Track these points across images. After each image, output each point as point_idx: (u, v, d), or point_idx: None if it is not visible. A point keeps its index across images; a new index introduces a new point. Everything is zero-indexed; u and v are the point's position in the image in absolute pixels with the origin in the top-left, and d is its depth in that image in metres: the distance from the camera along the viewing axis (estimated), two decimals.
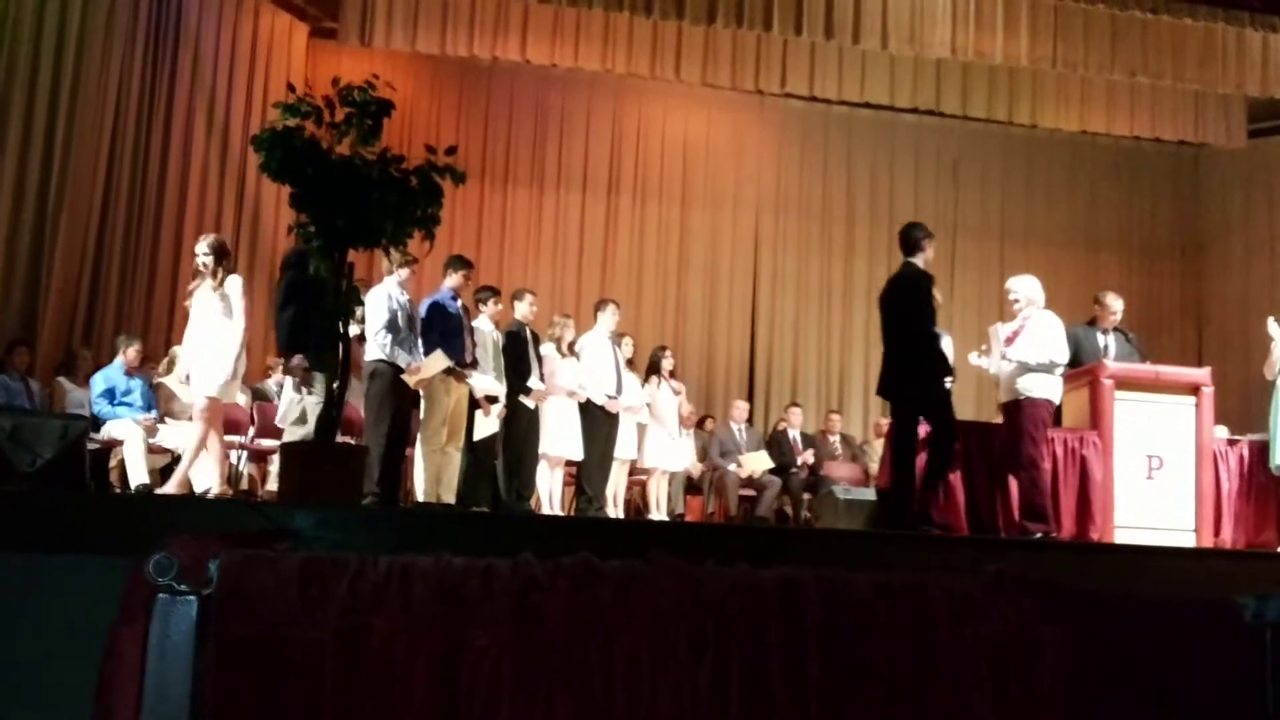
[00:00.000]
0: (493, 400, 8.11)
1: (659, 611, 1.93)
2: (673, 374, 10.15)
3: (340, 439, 6.32)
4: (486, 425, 8.17)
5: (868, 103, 12.30)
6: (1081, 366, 7.96)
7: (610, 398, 8.86)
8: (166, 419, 8.61)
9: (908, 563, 5.55)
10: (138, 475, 7.84)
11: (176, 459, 8.47)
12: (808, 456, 10.66)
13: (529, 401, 8.49)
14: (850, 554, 5.83)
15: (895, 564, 5.56)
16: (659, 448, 9.80)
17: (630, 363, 9.94)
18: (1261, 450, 8.00)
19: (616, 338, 9.30)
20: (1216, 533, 8.03)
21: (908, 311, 6.85)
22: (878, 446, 10.32)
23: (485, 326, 8.32)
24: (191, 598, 1.97)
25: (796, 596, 1.98)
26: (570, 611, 1.91)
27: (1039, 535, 7.24)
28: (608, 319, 9.15)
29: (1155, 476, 7.91)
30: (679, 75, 11.46)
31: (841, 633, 2.00)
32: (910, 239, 7.00)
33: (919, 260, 6.99)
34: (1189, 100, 12.37)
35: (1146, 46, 10.76)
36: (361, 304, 6.42)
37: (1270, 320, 7.88)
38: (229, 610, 1.96)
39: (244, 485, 8.80)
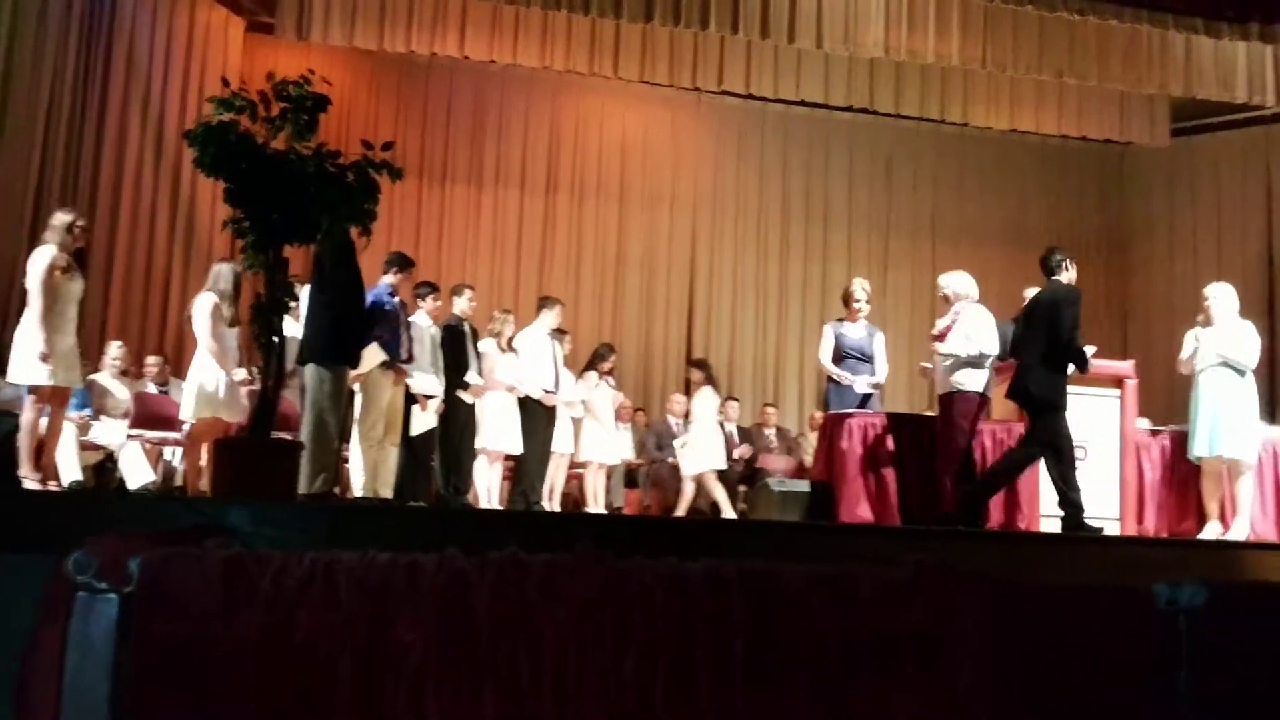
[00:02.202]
0: (429, 398, 8.13)
1: (585, 605, 1.97)
2: (610, 372, 10.20)
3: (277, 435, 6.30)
4: (423, 420, 8.18)
5: (803, 101, 12.42)
6: (1008, 360, 8.11)
7: (547, 392, 8.92)
8: (101, 416, 8.52)
9: (840, 553, 5.64)
10: (69, 472, 7.75)
11: (110, 456, 8.41)
12: (744, 450, 10.77)
13: (467, 397, 8.50)
14: (783, 545, 5.92)
15: (827, 555, 5.65)
16: (595, 442, 9.88)
17: (569, 358, 10.02)
18: (1182, 440, 8.19)
19: (558, 334, 9.34)
20: (1139, 521, 8.23)
21: (1059, 323, 7.21)
22: (813, 439, 10.45)
23: (423, 322, 8.32)
24: (112, 596, 1.97)
25: (722, 588, 2.04)
26: (496, 606, 1.95)
27: (969, 525, 7.38)
28: (550, 317, 9.21)
29: (1081, 467, 8.09)
30: (617, 72, 11.50)
31: (767, 623, 2.05)
32: (1049, 263, 7.47)
33: (1064, 279, 7.42)
34: (1114, 100, 12.61)
35: (1073, 47, 10.95)
36: (296, 299, 6.40)
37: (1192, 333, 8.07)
38: (150, 608, 1.96)
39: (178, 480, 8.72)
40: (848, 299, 8.63)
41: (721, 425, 10.96)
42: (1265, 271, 12.76)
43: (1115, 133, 13.11)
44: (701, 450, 9.76)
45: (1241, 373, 7.82)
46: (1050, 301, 7.31)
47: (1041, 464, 7.92)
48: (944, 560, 2.20)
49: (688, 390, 12.14)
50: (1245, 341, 7.90)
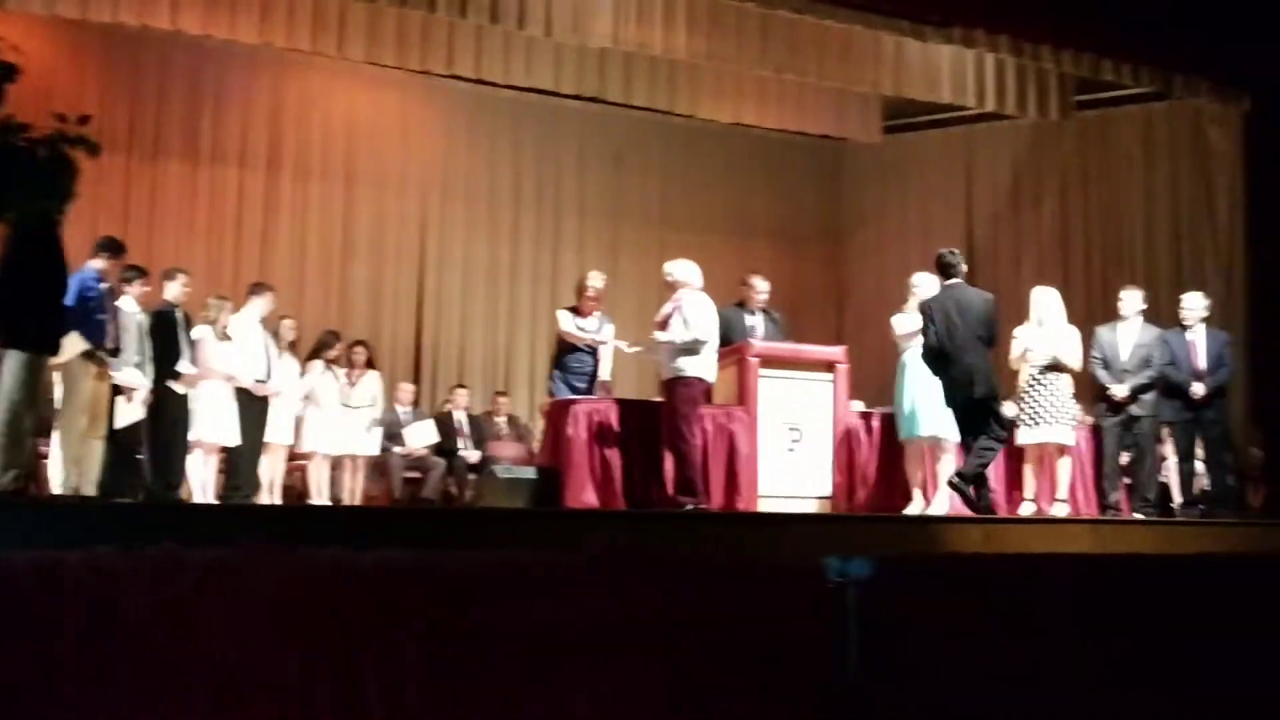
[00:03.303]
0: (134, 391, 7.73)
1: (247, 601, 1.89)
2: (335, 360, 9.96)
3: None
4: (129, 412, 7.76)
5: (534, 88, 12.39)
6: (731, 345, 8.37)
7: (259, 382, 8.64)
8: None
9: (562, 539, 5.68)
10: None
11: None
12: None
13: (179, 387, 8.12)
14: (508, 532, 5.91)
15: (551, 541, 5.68)
16: (319, 432, 9.64)
17: (294, 345, 9.73)
18: (891, 422, 8.66)
19: (278, 320, 9.07)
20: (850, 499, 8.66)
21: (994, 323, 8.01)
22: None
23: (130, 308, 7.89)
24: None
25: (394, 578, 1.99)
26: (150, 605, 1.84)
27: (690, 508, 7.58)
28: (261, 304, 8.92)
29: (796, 449, 8.45)
30: (342, 52, 11.15)
31: (440, 612, 2.02)
32: (951, 262, 8.13)
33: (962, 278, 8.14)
34: (832, 97, 13.15)
35: (793, 45, 11.34)
36: None
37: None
38: None
39: None
40: (581, 289, 8.72)
41: (451, 413, 10.92)
42: (966, 262, 13.61)
43: (832, 129, 13.69)
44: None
45: None
46: (983, 302, 8.00)
47: (762, 448, 8.24)
48: (621, 545, 2.23)
49: (417, 379, 12.01)
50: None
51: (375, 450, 10.19)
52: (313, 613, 1.99)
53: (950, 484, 7.89)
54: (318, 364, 9.80)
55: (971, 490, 7.72)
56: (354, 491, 9.98)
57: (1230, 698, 3.38)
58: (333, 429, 9.74)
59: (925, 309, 8.04)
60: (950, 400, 7.95)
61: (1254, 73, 10.88)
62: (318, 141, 12.39)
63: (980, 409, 7.84)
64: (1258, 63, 10.76)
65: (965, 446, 8.04)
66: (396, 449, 10.34)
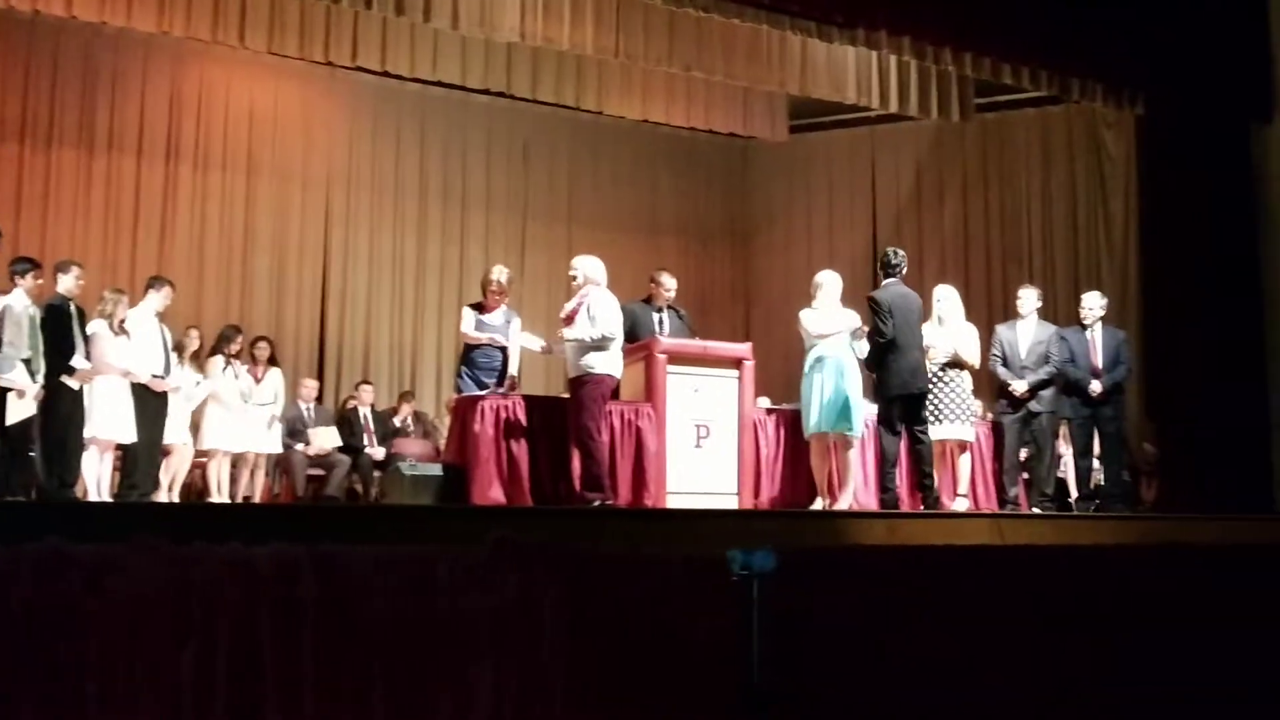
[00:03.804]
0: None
1: (138, 599, 1.83)
2: (237, 355, 9.78)
3: None
4: (20, 409, 7.53)
5: (440, 81, 12.28)
6: (638, 342, 8.37)
7: (156, 377, 8.44)
8: None
9: (468, 536, 5.63)
10: None
11: None
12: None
13: (72, 382, 7.90)
14: (413, 529, 5.85)
15: (457, 538, 5.62)
16: (219, 429, 9.46)
17: (197, 355, 9.59)
18: (797, 418, 8.73)
19: (185, 331, 8.91)
20: (756, 494, 8.71)
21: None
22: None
23: (20, 302, 7.64)
24: None
25: (291, 572, 1.94)
26: (37, 603, 1.78)
27: (597, 504, 7.57)
28: (157, 299, 8.71)
29: (703, 445, 8.46)
30: (243, 42, 10.91)
31: (338, 607, 1.98)
32: (894, 262, 8.43)
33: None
34: (739, 96, 13.23)
35: (700, 43, 11.39)
36: None
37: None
38: None
39: None
40: (485, 284, 8.66)
41: (355, 410, 10.78)
42: (870, 260, 13.82)
43: (740, 127, 13.77)
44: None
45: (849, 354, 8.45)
46: (919, 301, 8.40)
47: (669, 444, 8.25)
48: (521, 538, 2.21)
49: (320, 375, 11.84)
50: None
51: (277, 448, 10.03)
52: (207, 609, 1.94)
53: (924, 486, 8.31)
54: (218, 360, 9.61)
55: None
56: (255, 490, 9.81)
57: (1126, 683, 3.47)
58: (233, 426, 9.57)
59: (879, 302, 8.23)
60: (887, 392, 8.25)
61: (1147, 78, 11.17)
62: (218, 131, 12.13)
63: (918, 402, 8.26)
64: (1150, 68, 11.05)
65: (884, 444, 8.34)
66: (299, 446, 10.18)
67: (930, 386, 8.56)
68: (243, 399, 9.66)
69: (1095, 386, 8.84)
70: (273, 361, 10.14)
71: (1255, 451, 10.77)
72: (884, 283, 8.36)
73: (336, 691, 2.01)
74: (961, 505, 8.72)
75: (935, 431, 8.56)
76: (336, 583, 2.05)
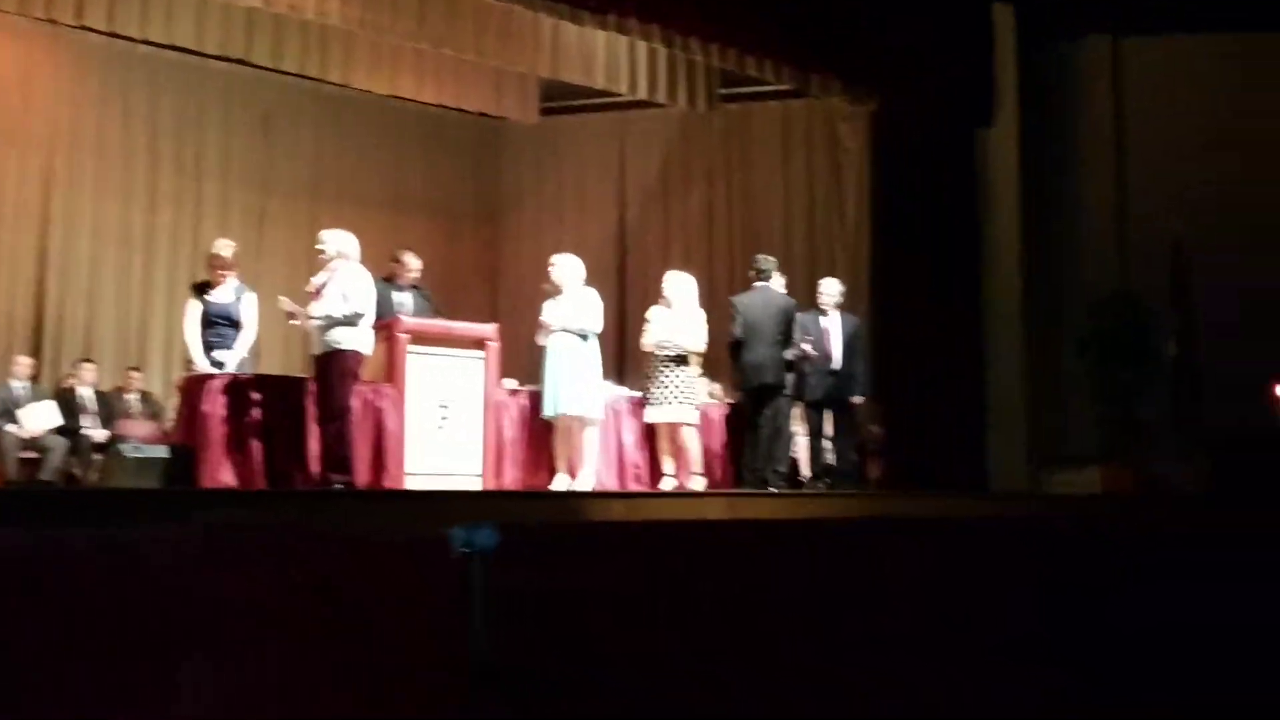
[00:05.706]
0: None
1: None
2: None
3: None
4: None
5: (175, 46, 11.65)
6: (379, 321, 8.21)
7: None
8: None
9: (193, 520, 5.40)
10: None
11: None
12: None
13: None
14: (135, 513, 5.57)
15: (183, 520, 5.40)
16: None
17: None
18: (538, 400, 8.76)
19: None
20: (499, 475, 8.70)
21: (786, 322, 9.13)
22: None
23: None
24: None
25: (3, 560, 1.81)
26: None
27: (339, 486, 7.40)
28: None
29: (445, 426, 8.39)
30: None
31: (53, 593, 1.85)
32: (765, 266, 9.29)
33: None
34: (490, 76, 13.14)
35: (451, 20, 11.24)
36: None
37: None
38: None
39: None
40: (210, 261, 8.31)
41: (74, 389, 10.17)
42: (617, 244, 14.03)
43: (491, 107, 13.68)
44: None
45: (585, 337, 8.54)
46: (785, 304, 9.17)
47: (410, 425, 8.13)
48: (239, 520, 2.12)
49: (37, 352, 11.10)
50: (590, 309, 8.63)
51: None
52: None
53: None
54: None
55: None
56: None
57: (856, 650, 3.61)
58: None
59: (733, 305, 9.19)
60: (739, 385, 9.32)
61: (881, 78, 11.73)
62: None
63: (767, 394, 8.98)
64: (885, 69, 11.61)
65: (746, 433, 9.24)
66: (9, 428, 9.52)
67: (656, 370, 8.83)
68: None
69: (832, 369, 9.30)
70: None
71: (972, 434, 11.53)
72: (754, 285, 9.19)
73: (42, 678, 1.88)
74: (699, 484, 8.95)
75: (659, 414, 8.83)
76: (50, 569, 1.92)
